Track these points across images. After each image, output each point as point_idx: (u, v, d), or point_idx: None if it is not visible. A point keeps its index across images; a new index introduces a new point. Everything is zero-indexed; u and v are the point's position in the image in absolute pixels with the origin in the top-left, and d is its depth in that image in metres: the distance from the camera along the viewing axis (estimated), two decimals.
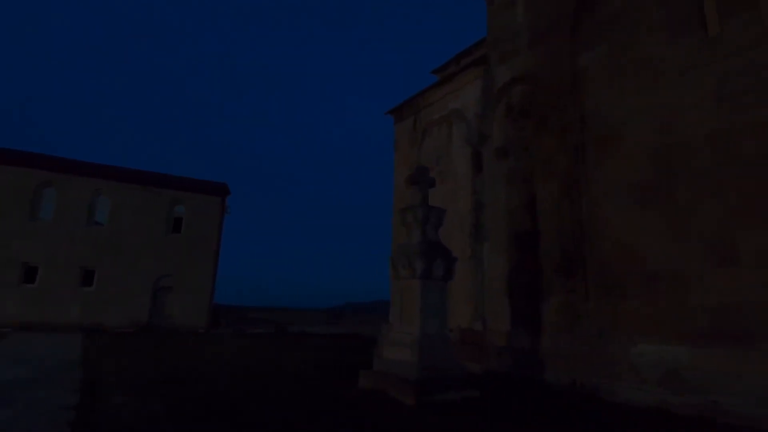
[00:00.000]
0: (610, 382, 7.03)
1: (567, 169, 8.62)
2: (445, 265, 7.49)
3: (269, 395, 6.69)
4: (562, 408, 6.50)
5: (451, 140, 11.81)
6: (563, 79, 8.97)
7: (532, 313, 8.88)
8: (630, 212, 7.45)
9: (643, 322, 6.97)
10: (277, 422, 5.26)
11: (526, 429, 5.33)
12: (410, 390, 6.35)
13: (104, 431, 4.76)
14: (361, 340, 18.01)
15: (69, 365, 9.03)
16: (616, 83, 8.04)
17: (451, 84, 12.00)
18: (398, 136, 14.01)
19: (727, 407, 5.74)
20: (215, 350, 12.34)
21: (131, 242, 19.69)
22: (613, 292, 7.48)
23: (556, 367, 7.92)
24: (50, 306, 17.64)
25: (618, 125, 7.87)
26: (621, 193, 7.62)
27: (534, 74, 9.66)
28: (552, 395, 7.26)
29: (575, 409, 6.44)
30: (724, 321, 6.12)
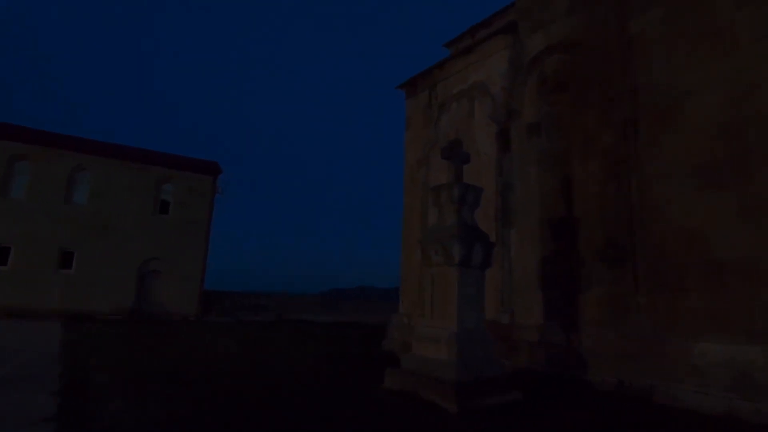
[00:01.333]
0: (668, 385, 6.30)
1: (614, 146, 7.77)
2: (484, 252, 6.62)
3: (286, 398, 5.79)
4: (619, 413, 5.75)
5: (472, 116, 10.85)
6: (611, 48, 8.05)
7: (568, 306, 8.12)
8: (692, 194, 6.64)
9: (707, 318, 6.22)
10: None
11: None
12: (450, 394, 5.51)
13: None
14: (364, 329, 17.22)
15: (50, 359, 7.97)
16: (676, 51, 7.15)
17: (473, 55, 10.98)
18: (410, 112, 12.98)
19: None
20: (213, 341, 11.36)
21: (115, 223, 18.37)
22: (669, 284, 6.71)
23: (600, 366, 7.18)
24: (26, 290, 16.32)
25: (678, 98, 7.00)
26: (681, 173, 6.80)
27: (574, 42, 8.72)
28: (600, 397, 6.52)
29: (634, 415, 5.70)
30: None
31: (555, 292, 8.41)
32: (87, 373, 6.80)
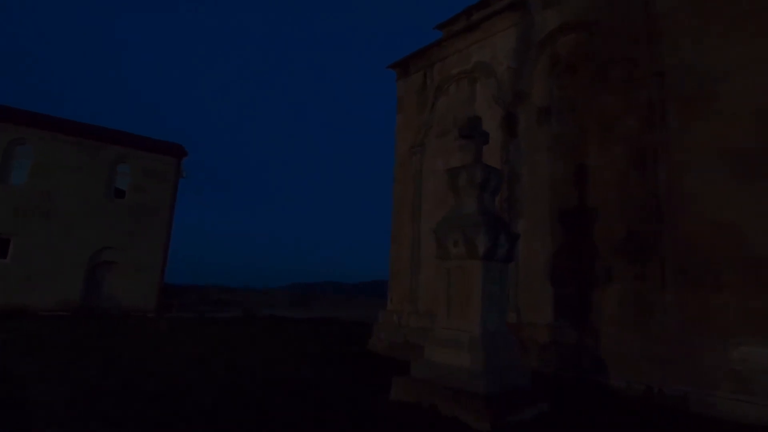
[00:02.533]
0: (703, 392, 5.77)
1: (637, 132, 7.19)
2: (509, 243, 5.83)
3: (273, 417, 4.75)
4: (659, 426, 5.14)
5: (474, 99, 10.06)
6: (634, 26, 7.45)
7: (582, 303, 7.51)
8: (727, 185, 6.13)
9: (746, 318, 5.73)
10: None
11: None
12: (481, 409, 4.67)
13: None
14: (341, 326, 16.20)
15: None
16: (709, 30, 6.62)
17: (476, 32, 10.17)
18: (402, 94, 12.04)
19: None
20: (177, 341, 10.00)
21: (61, 206, 16.25)
22: (701, 280, 6.19)
23: (622, 369, 6.59)
24: None
25: (712, 81, 6.47)
26: (715, 162, 6.28)
27: (593, 20, 8.08)
28: (630, 406, 5.92)
29: (676, 426, 5.10)
30: None
31: (566, 289, 7.78)
32: (18, 388, 5.44)
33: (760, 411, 5.28)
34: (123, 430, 4.10)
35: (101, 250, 16.69)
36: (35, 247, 15.66)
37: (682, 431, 5.03)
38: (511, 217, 8.78)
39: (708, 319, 6.04)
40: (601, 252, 7.38)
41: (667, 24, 7.07)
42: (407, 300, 10.45)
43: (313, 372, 7.38)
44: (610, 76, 7.72)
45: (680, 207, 6.53)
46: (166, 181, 18.04)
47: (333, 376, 7.09)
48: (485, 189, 5.95)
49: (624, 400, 6.20)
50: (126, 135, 17.87)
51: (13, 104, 15.97)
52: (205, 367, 7.25)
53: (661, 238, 6.63)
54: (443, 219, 6.17)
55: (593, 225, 7.59)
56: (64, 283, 15.84)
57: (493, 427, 4.56)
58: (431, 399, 5.22)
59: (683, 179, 6.57)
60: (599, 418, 5.26)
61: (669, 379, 6.10)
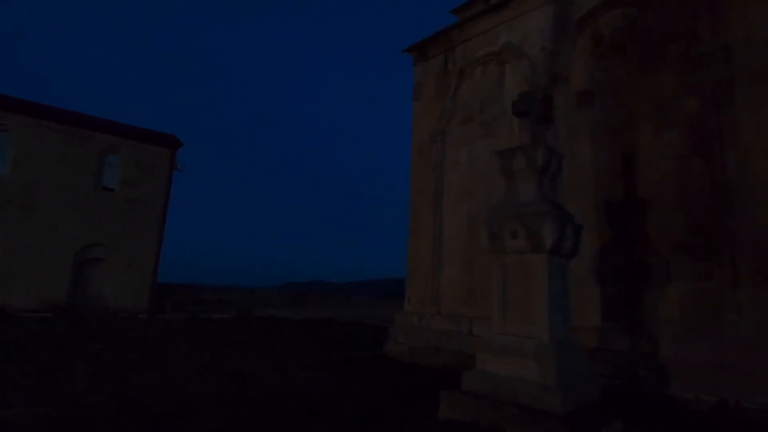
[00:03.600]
0: None
1: (700, 115, 6.48)
2: (574, 236, 5.06)
3: None
4: None
5: (502, 83, 9.30)
6: None
7: (632, 305, 6.79)
8: None
9: None
10: None
11: None
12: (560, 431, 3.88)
13: None
14: (345, 328, 15.34)
15: None
16: None
17: (504, 12, 9.41)
18: (420, 80, 11.23)
19: None
20: (174, 346, 9.05)
21: (45, 199, 15.06)
22: None
23: (689, 379, 5.87)
24: None
25: None
26: None
27: None
28: (708, 421, 5.19)
29: None
30: None
31: (614, 288, 7.05)
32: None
33: None
34: None
35: (88, 247, 15.55)
36: (15, 243, 14.48)
37: None
38: None
39: None
40: (656, 248, 6.67)
41: None
42: (428, 300, 9.65)
43: (334, 382, 6.53)
44: (665, 53, 7.01)
45: (755, 197, 5.84)
46: (160, 173, 16.95)
47: (359, 388, 6.26)
48: (545, 173, 5.17)
49: (696, 414, 5.47)
50: (116, 125, 16.74)
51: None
52: (210, 378, 6.35)
53: (732, 232, 5.93)
54: (495, 207, 5.37)
55: (645, 219, 6.87)
56: (48, 281, 14.69)
57: None
58: (492, 419, 4.41)
59: (758, 166, 5.88)
60: None
61: (747, 390, 5.38)
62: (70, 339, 9.03)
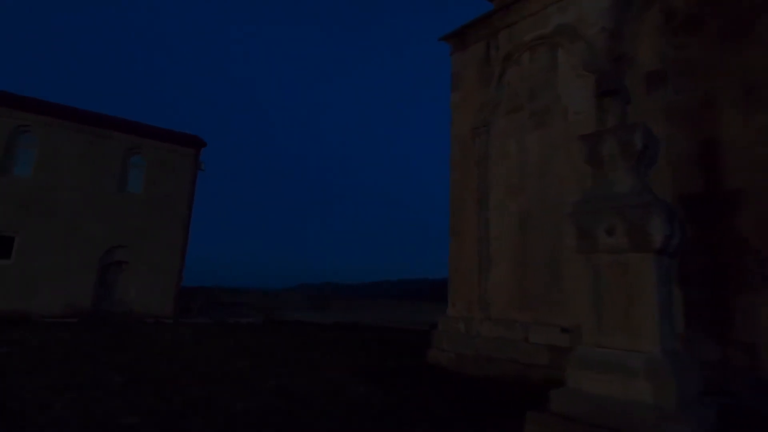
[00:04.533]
0: None
1: None
2: (680, 232, 4.34)
3: None
4: None
5: (555, 68, 8.57)
6: None
7: (722, 310, 6.01)
8: None
9: None
10: None
11: None
12: None
13: None
14: (376, 332, 14.72)
15: None
16: None
17: None
18: (460, 68, 10.56)
19: None
20: (208, 353, 8.54)
21: (69, 201, 14.79)
22: None
23: None
24: None
25: None
26: None
27: None
28: None
29: None
30: None
31: (698, 292, 6.28)
32: (35, 426, 3.98)
33: None
34: None
35: (112, 249, 15.24)
36: (40, 245, 14.24)
37: None
38: None
39: None
40: (750, 247, 5.87)
41: None
42: (475, 304, 8.96)
43: (390, 398, 5.90)
44: (755, 26, 6.22)
45: None
46: (184, 174, 16.60)
47: (418, 405, 5.62)
48: (643, 159, 4.46)
49: None
50: (139, 125, 16.44)
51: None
52: (254, 393, 5.78)
53: None
54: (582, 201, 4.68)
55: (734, 214, 6.09)
56: (72, 285, 14.40)
57: None
58: None
59: None
60: None
61: None
62: (100, 347, 8.58)
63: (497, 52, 9.68)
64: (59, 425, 4.11)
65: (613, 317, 4.22)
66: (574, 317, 7.36)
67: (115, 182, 15.52)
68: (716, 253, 6.19)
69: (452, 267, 9.76)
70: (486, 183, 9.28)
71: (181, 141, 16.78)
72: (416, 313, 27.98)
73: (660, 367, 3.78)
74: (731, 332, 5.87)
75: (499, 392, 6.53)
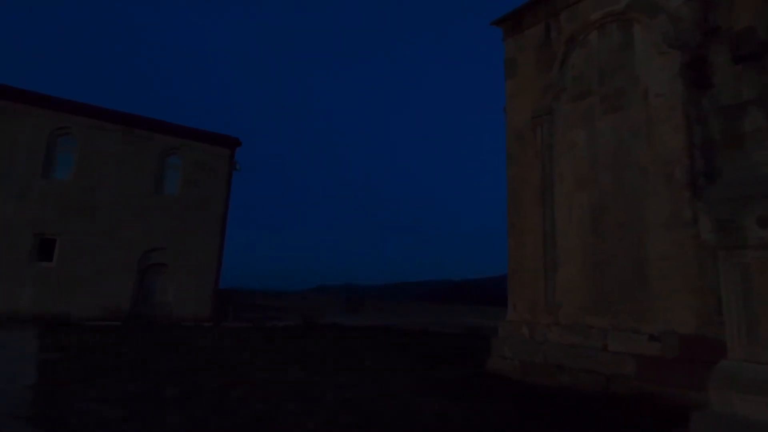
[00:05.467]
0: None
1: None
2: None
3: None
4: None
5: (630, 46, 7.77)
6: None
7: None
8: None
9: None
10: None
11: None
12: None
13: None
14: (418, 337, 14.09)
15: (18, 405, 4.63)
16: None
17: None
18: (514, 54, 9.84)
19: None
20: (256, 360, 8.08)
21: (108, 203, 14.72)
22: None
23: None
24: None
25: None
26: None
27: None
28: None
29: None
30: None
31: None
32: None
33: None
34: None
35: (150, 252, 15.09)
36: (80, 248, 14.19)
37: None
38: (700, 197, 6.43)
39: None
40: None
41: None
42: (541, 307, 8.22)
43: (466, 412, 5.25)
44: None
45: None
46: (220, 174, 16.37)
47: (500, 420, 4.96)
48: None
49: None
50: (175, 126, 16.28)
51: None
52: (319, 408, 5.22)
53: None
54: (722, 185, 3.94)
55: None
56: (111, 288, 14.29)
57: None
58: None
59: None
60: None
61: None
62: (147, 353, 8.22)
63: (559, 34, 8.93)
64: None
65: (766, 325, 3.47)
66: (666, 323, 6.55)
67: (153, 184, 15.40)
68: None
69: (512, 267, 9.03)
70: (550, 176, 8.54)
71: (217, 141, 16.57)
72: (448, 315, 27.22)
73: None
74: None
75: (585, 407, 5.81)
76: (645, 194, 7.14)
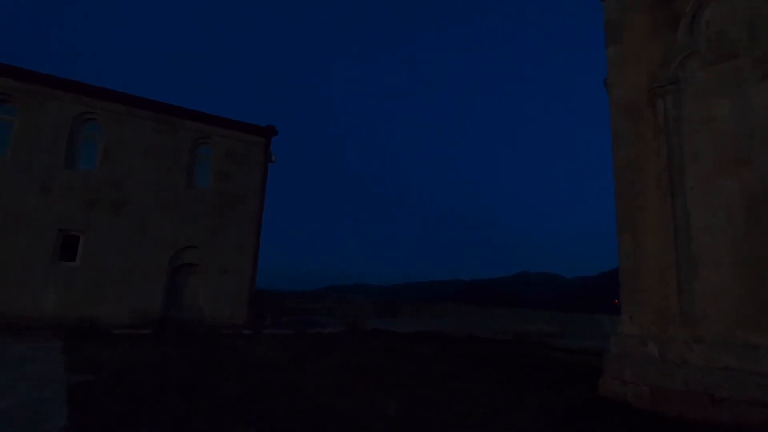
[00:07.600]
0: None
1: None
2: None
3: None
4: None
5: None
6: None
7: None
8: None
9: None
10: None
11: None
12: None
13: None
14: (473, 344, 12.62)
15: None
16: None
17: None
18: (616, 15, 8.29)
19: None
20: (324, 379, 6.69)
21: (136, 196, 13.48)
22: None
23: None
24: (7, 289, 11.49)
25: None
26: None
27: None
28: None
29: None
30: None
31: None
32: None
33: None
34: None
35: (182, 250, 13.80)
36: (106, 246, 12.98)
37: None
38: None
39: None
40: None
41: None
42: (674, 319, 6.66)
43: None
44: None
45: None
46: (254, 165, 15.04)
47: None
48: None
49: None
50: (207, 115, 14.96)
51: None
52: None
53: None
54: None
55: None
56: (140, 290, 13.06)
57: None
58: None
59: None
60: None
61: None
62: (194, 371, 6.86)
63: None
64: None
65: None
66: None
67: (184, 176, 14.10)
68: None
69: (625, 269, 7.48)
70: (680, 158, 6.97)
71: (251, 130, 15.24)
72: (481, 318, 25.62)
73: None
74: None
75: None
76: None
